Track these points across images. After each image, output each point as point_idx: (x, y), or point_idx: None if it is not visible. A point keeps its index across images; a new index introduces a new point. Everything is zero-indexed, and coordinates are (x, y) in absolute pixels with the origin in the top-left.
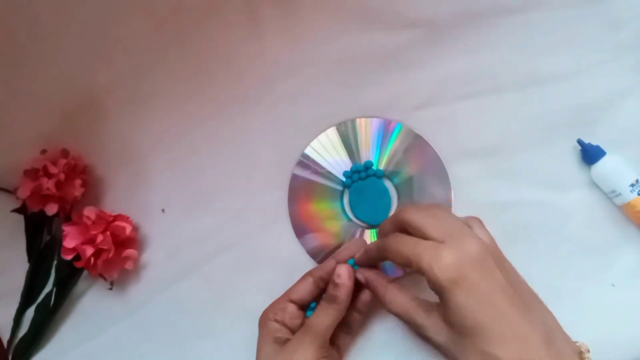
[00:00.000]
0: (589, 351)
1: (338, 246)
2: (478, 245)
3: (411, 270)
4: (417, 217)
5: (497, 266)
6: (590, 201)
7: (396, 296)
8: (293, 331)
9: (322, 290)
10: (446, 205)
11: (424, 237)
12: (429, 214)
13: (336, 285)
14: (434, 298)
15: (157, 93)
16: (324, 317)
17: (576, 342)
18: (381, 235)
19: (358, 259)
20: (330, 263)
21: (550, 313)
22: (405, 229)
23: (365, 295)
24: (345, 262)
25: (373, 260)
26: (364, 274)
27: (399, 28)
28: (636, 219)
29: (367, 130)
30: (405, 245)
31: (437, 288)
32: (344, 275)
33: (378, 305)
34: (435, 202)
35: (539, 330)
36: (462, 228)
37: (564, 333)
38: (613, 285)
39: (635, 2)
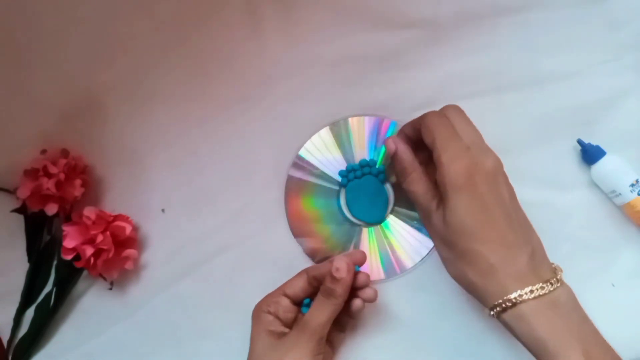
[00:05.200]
0: (561, 271)
1: (335, 247)
2: (496, 162)
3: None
4: (457, 117)
5: (504, 186)
6: (590, 201)
7: (419, 181)
8: (286, 324)
9: (315, 289)
10: None
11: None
12: (466, 121)
13: (334, 279)
14: None
15: (157, 93)
16: (321, 313)
17: (552, 263)
18: (410, 122)
19: (392, 138)
20: (326, 265)
21: (538, 237)
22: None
23: (357, 303)
24: None
25: (406, 133)
26: (397, 143)
27: (399, 28)
28: (636, 219)
29: (360, 129)
30: (440, 130)
31: (444, 185)
32: (342, 269)
33: (374, 308)
34: None
35: (525, 245)
36: (486, 146)
37: (545, 255)
38: (613, 285)
39: (635, 2)
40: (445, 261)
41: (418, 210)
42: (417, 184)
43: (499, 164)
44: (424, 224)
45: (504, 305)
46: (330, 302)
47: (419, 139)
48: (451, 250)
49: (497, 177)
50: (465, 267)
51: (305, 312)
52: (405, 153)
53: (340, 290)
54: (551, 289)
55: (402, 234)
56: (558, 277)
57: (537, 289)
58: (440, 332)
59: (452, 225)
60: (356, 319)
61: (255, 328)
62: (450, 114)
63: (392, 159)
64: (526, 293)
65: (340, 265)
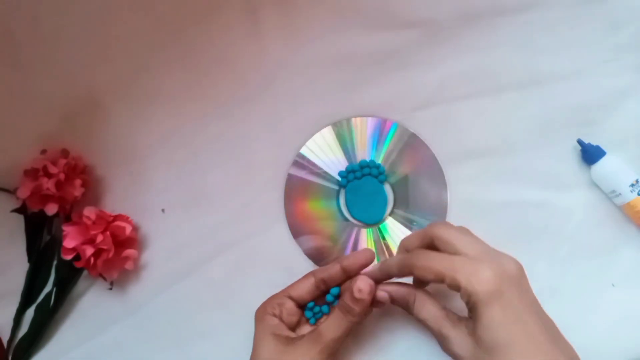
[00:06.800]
0: None
1: (334, 247)
2: (516, 265)
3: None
4: (449, 233)
5: (530, 290)
6: (590, 201)
7: (425, 303)
8: (290, 328)
9: (321, 292)
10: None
11: (456, 253)
12: (461, 232)
13: (354, 298)
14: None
15: (157, 93)
16: (337, 328)
17: None
18: (402, 250)
19: (372, 275)
20: (334, 267)
21: (567, 342)
22: (432, 244)
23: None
24: (353, 270)
25: (391, 277)
26: (386, 290)
27: (399, 28)
28: (636, 219)
29: (362, 129)
30: (436, 260)
31: (473, 301)
32: (365, 290)
33: (376, 311)
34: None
35: (562, 355)
36: (494, 249)
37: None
38: (613, 285)
39: (635, 2)
40: None
41: (434, 337)
42: (423, 308)
43: (519, 266)
44: (443, 349)
45: None
46: (348, 319)
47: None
48: None
49: (522, 280)
50: None
51: (308, 316)
52: (398, 290)
53: (360, 309)
54: None
55: (399, 236)
56: None
57: None
58: None
59: (486, 341)
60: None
61: (259, 330)
62: (441, 232)
63: (393, 304)
64: None
65: (363, 287)
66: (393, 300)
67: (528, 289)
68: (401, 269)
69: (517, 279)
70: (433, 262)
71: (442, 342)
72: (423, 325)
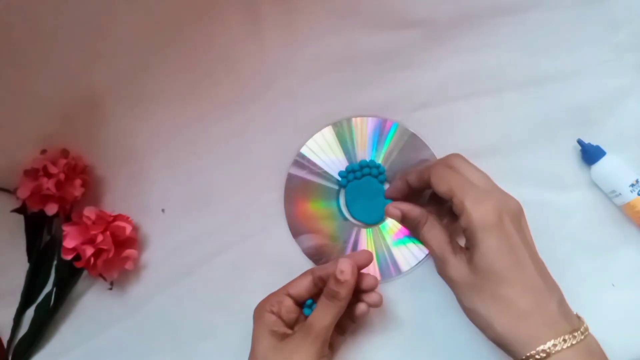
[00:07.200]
0: (584, 319)
1: (334, 247)
2: (518, 204)
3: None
4: (464, 164)
5: (527, 229)
6: (590, 201)
7: (433, 228)
8: (288, 325)
9: (320, 289)
10: None
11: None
12: (475, 168)
13: (338, 281)
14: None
15: (157, 93)
16: (325, 316)
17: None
18: (403, 179)
19: (391, 187)
20: (332, 266)
21: (556, 283)
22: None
23: (362, 307)
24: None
25: (409, 184)
26: (399, 208)
27: (399, 28)
28: (636, 219)
29: (363, 129)
30: (453, 178)
31: (472, 228)
32: (347, 271)
33: (375, 311)
34: None
35: (553, 290)
36: (503, 189)
37: (568, 303)
38: (613, 285)
39: (635, 2)
40: (469, 312)
41: (434, 260)
42: (431, 231)
43: (520, 206)
44: (441, 274)
45: (537, 357)
46: (334, 304)
47: (421, 188)
48: (477, 297)
49: (521, 218)
50: (493, 315)
51: (307, 313)
52: (413, 210)
53: (344, 292)
54: (582, 337)
55: (399, 236)
56: (585, 325)
57: (570, 338)
58: (438, 332)
59: (481, 268)
60: (358, 323)
61: (257, 328)
62: (455, 162)
63: (401, 223)
64: (560, 342)
65: (345, 268)
66: (404, 219)
67: (526, 228)
68: (419, 177)
69: (518, 216)
70: (450, 178)
71: (440, 265)
72: (426, 246)
